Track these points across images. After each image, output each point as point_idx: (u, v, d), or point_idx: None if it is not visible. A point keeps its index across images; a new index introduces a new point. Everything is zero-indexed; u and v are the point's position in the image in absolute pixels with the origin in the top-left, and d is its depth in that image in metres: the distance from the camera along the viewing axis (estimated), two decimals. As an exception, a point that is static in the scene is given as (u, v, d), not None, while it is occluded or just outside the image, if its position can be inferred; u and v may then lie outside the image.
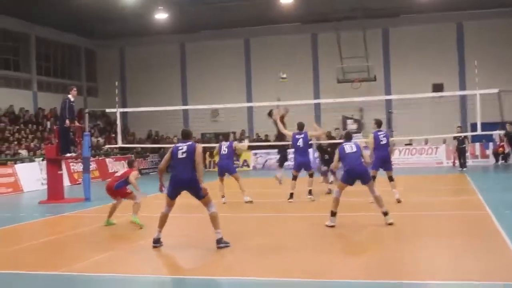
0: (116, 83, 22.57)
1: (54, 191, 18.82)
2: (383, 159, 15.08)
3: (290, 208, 15.30)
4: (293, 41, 37.38)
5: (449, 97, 30.97)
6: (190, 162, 10.08)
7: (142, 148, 33.96)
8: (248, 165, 33.90)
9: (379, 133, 15.32)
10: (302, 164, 16.59)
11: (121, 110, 22.37)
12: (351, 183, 11.88)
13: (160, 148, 32.97)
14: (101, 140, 34.11)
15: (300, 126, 17.04)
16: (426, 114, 33.36)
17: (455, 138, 28.21)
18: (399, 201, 14.98)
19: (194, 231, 12.47)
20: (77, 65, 39.92)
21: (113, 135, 35.19)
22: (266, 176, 28.05)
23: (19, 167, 24.23)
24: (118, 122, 21.04)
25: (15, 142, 27.98)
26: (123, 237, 11.74)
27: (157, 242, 10.26)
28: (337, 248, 10.06)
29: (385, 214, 11.80)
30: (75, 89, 19.25)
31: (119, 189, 13.06)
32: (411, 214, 13.49)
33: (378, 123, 15.69)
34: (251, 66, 38.58)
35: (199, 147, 10.20)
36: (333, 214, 11.73)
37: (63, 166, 20.66)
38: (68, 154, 19.26)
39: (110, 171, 29.66)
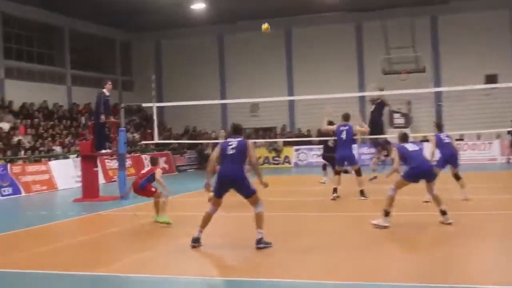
0: (152, 77, 22.67)
1: (89, 189, 19.03)
2: (448, 157, 14.98)
3: (334, 207, 15.18)
4: (337, 31, 37.09)
5: (503, 88, 30.32)
6: (239, 158, 10.11)
7: (179, 144, 34.15)
8: (289, 162, 33.82)
9: (440, 135, 15.33)
10: (345, 158, 16.43)
11: (158, 104, 22.46)
12: (416, 181, 11.84)
13: (197, 144, 33.12)
14: (136, 136, 34.40)
15: (346, 117, 16.86)
16: (478, 107, 32.78)
17: (509, 132, 27.66)
18: (466, 199, 14.97)
19: (234, 230, 12.46)
20: (112, 58, 40.32)
21: (149, 130, 35.45)
22: (309, 174, 27.96)
23: (53, 164, 24.60)
24: (155, 117, 21.15)
25: (49, 138, 28.40)
26: (161, 236, 11.80)
27: (196, 242, 10.24)
28: (387, 249, 9.91)
29: (444, 213, 11.64)
30: (110, 82, 19.44)
31: (144, 188, 13.23)
32: (466, 214, 13.25)
33: (439, 126, 15.89)
34: (292, 57, 38.42)
35: (251, 142, 10.29)
36: (387, 213, 11.55)
37: (98, 163, 20.84)
38: (103, 151, 19.43)
39: (146, 168, 29.86)
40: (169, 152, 32.70)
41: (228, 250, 10.28)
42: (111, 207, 16.74)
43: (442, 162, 14.99)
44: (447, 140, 15.14)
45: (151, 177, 13.35)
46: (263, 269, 8.83)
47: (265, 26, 15.58)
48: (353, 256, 9.30)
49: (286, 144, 33.53)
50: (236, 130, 10.58)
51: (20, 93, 31.22)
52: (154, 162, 14.09)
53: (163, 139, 31.85)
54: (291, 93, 36.88)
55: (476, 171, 25.12)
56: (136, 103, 31.73)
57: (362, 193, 16.10)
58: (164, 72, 40.43)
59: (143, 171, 13.79)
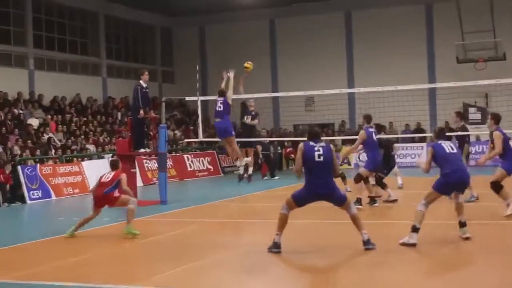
0: (197, 67, 22.86)
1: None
2: None
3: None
4: (403, 13, 36.73)
5: None
6: (328, 166, 10.48)
7: (225, 142, 34.29)
8: (349, 163, 33.66)
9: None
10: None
11: (202, 98, 22.68)
12: (449, 192, 11.35)
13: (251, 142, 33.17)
14: (178, 133, 34.69)
15: (369, 119, 16.75)
16: None
17: None
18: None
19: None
20: (151, 47, 40.78)
21: (192, 127, 35.77)
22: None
23: (87, 165, 25.01)
24: (199, 112, 21.37)
25: (82, 136, 28.86)
26: (204, 247, 11.86)
27: (277, 247, 10.63)
28: (412, 265, 9.82)
29: (462, 225, 11.30)
30: (146, 73, 19.57)
31: (108, 196, 13.39)
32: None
33: (496, 118, 15.04)
34: (352, 44, 38.23)
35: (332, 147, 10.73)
36: (415, 229, 10.94)
37: (136, 164, 21.10)
38: (142, 150, 19.62)
39: (189, 169, 30.16)
40: (214, 151, 32.89)
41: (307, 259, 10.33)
42: (151, 213, 16.92)
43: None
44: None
45: (116, 185, 13.41)
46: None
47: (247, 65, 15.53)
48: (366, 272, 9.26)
49: (346, 142, 33.37)
50: (317, 136, 10.83)
51: (50, 86, 31.81)
52: (114, 165, 14.01)
53: (207, 137, 32.02)
54: (351, 85, 36.69)
55: None
56: (178, 97, 32.03)
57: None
58: (209, 61, 40.66)
59: (103, 179, 13.62)
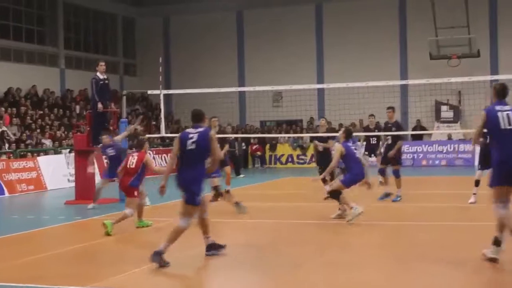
0: (160, 59, 22.81)
1: (84, 190, 19.16)
2: None
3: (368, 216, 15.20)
4: (376, 6, 37.00)
5: None
6: (199, 156, 10.02)
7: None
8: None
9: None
10: None
11: (165, 92, 22.61)
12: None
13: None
14: (140, 128, 34.50)
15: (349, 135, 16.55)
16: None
17: None
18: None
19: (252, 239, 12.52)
20: (112, 37, 40.55)
21: (155, 122, 35.64)
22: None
23: (42, 160, 24.80)
24: (162, 106, 21.27)
25: (38, 130, 28.62)
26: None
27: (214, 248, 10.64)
28: (427, 264, 9.92)
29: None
30: (102, 63, 19.40)
31: (133, 187, 13.51)
32: None
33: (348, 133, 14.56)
34: (322, 37, 38.41)
35: (214, 137, 10.08)
36: (498, 243, 9.47)
37: (95, 160, 20.98)
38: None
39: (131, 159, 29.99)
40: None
41: (246, 263, 10.35)
42: (109, 211, 16.78)
43: None
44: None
45: (141, 173, 13.69)
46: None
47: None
48: (387, 272, 9.36)
49: (314, 139, 33.55)
50: (196, 117, 10.30)
51: (4, 76, 31.44)
52: (139, 145, 14.14)
53: (170, 133, 31.94)
54: (321, 80, 36.86)
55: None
56: (140, 90, 31.93)
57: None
58: (173, 54, 40.56)
59: (129, 165, 13.65)
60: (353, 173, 13.82)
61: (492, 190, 9.48)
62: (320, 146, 18.39)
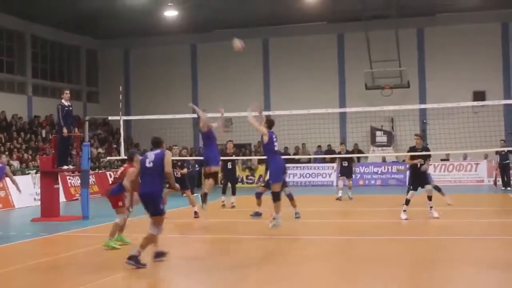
0: (120, 88, 22.75)
1: (49, 208, 18.96)
2: None
3: (303, 230, 15.31)
4: (317, 42, 37.43)
5: (491, 106, 30.68)
6: (156, 173, 10.55)
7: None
8: (264, 181, 33.91)
9: None
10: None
11: (125, 118, 22.54)
12: None
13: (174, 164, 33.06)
14: (101, 151, 34.32)
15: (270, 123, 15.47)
16: (465, 125, 33.07)
17: (497, 153, 28.00)
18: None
19: (196, 253, 12.52)
20: (76, 67, 40.24)
21: (115, 145, 35.42)
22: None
23: (10, 181, 24.37)
24: (121, 131, 21.19)
25: (6, 153, 28.19)
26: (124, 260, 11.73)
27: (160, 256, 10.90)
28: (366, 277, 10.04)
29: None
30: (67, 91, 19.33)
31: (114, 196, 12.98)
32: (447, 239, 13.47)
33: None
34: (269, 69, 38.69)
35: (168, 152, 10.72)
36: None
37: (59, 180, 20.78)
38: (65, 167, 19.39)
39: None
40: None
41: (196, 273, 10.35)
42: (73, 228, 16.70)
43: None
44: None
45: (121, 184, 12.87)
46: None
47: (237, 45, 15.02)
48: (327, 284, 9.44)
49: (261, 162, 33.67)
50: (155, 143, 11.06)
51: (-25, 103, 31.00)
52: (130, 158, 12.97)
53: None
54: (267, 108, 37.05)
55: (462, 193, 25.42)
56: (101, 116, 31.72)
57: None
58: (132, 83, 40.44)
59: (116, 173, 13.58)
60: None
61: None
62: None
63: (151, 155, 10.72)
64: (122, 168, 13.09)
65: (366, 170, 32.73)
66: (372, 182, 32.52)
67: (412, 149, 17.15)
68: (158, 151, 10.81)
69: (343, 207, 21.40)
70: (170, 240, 13.41)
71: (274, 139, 14.07)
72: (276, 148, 14.18)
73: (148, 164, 10.62)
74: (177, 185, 12.55)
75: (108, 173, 30.25)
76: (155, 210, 10.59)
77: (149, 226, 10.68)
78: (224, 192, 22.09)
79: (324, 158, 33.79)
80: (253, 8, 34.25)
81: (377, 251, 12.09)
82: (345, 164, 23.45)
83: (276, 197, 13.71)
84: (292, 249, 12.89)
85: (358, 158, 32.74)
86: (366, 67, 34.79)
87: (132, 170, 12.12)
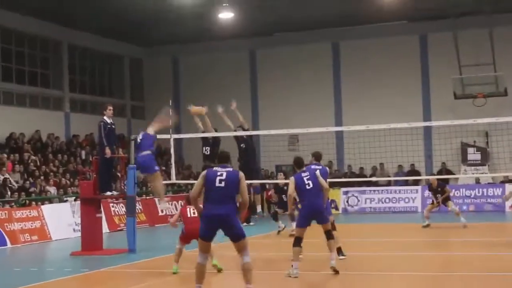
0: (170, 102, 22.95)
1: (90, 240, 19.16)
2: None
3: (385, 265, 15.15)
4: (396, 44, 37.16)
5: None
6: (229, 193, 10.48)
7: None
8: (336, 207, 33.77)
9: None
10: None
11: (176, 136, 22.73)
12: None
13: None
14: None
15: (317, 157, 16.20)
16: None
17: None
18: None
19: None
20: (119, 79, 40.81)
21: (164, 168, 35.73)
22: (360, 222, 28.01)
23: (47, 209, 24.82)
24: (172, 151, 21.37)
25: (42, 177, 28.72)
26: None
27: None
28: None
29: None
30: (110, 107, 19.59)
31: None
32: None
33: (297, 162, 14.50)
34: (340, 77, 38.54)
35: (243, 175, 10.62)
36: None
37: (102, 208, 21.02)
38: (109, 193, 19.59)
39: (160, 214, 30.05)
40: (188, 194, 32.81)
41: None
42: (118, 263, 16.83)
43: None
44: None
45: None
46: None
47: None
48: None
49: (333, 185, 33.54)
50: (224, 159, 10.93)
51: (7, 121, 31.65)
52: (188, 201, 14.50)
53: (181, 179, 32.04)
54: (339, 122, 36.91)
55: None
56: (148, 134, 31.99)
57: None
58: (183, 96, 40.73)
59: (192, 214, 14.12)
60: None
61: None
62: None
63: (222, 172, 10.60)
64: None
65: (457, 193, 32.19)
66: (464, 207, 31.93)
67: None
68: (230, 168, 10.76)
69: (429, 237, 21.13)
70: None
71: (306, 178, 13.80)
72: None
73: (219, 183, 10.51)
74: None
75: (157, 199, 30.44)
76: (238, 234, 10.54)
77: (240, 257, 10.60)
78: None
79: (407, 180, 33.42)
80: (320, 7, 34.10)
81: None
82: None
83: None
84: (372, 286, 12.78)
85: (447, 179, 32.45)
86: (454, 72, 34.37)
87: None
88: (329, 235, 13.62)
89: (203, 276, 10.58)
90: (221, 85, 39.66)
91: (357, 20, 36.21)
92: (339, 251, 15.14)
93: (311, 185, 13.57)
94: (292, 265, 13.29)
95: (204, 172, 10.76)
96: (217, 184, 10.47)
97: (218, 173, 10.55)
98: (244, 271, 10.48)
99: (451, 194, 31.45)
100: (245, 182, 10.57)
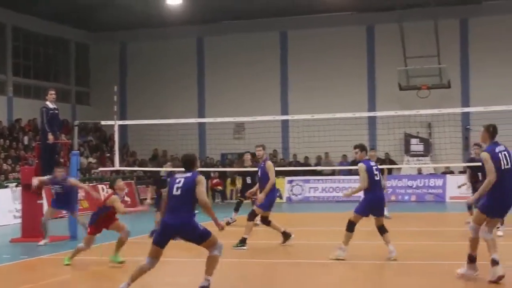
0: (115, 88, 22.78)
1: (31, 226, 18.94)
2: None
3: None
4: (343, 35, 37.36)
5: (547, 110, 30.61)
6: (186, 200, 10.46)
7: (145, 172, 34.12)
8: (280, 196, 33.91)
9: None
10: None
11: (120, 122, 22.53)
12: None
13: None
14: (93, 160, 34.40)
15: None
16: (516, 132, 32.93)
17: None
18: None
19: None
20: (65, 64, 40.40)
21: (109, 154, 35.49)
22: (304, 211, 28.13)
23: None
24: (116, 138, 21.21)
25: (-16, 162, 28.36)
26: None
27: None
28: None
29: (495, 263, 11.03)
30: (52, 92, 19.32)
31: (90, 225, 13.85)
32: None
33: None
34: (287, 67, 38.65)
35: (200, 177, 10.52)
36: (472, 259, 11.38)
37: (44, 194, 20.81)
38: (51, 179, 19.41)
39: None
40: (132, 182, 32.69)
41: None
42: (58, 250, 16.66)
43: None
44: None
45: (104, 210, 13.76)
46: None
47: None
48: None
49: (277, 174, 33.64)
50: (187, 164, 10.84)
51: None
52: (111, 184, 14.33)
53: (125, 166, 31.86)
54: (285, 111, 37.03)
55: None
56: (93, 121, 31.79)
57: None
58: (129, 82, 40.52)
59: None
60: None
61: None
62: None
63: (180, 179, 10.61)
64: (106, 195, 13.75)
65: (399, 183, 32.57)
66: (406, 197, 32.37)
67: (471, 161, 17.21)
68: (189, 174, 10.68)
69: (371, 226, 21.31)
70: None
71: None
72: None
73: (176, 191, 10.53)
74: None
75: (100, 186, 30.25)
76: (199, 238, 10.55)
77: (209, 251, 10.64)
78: (237, 210, 21.95)
79: (350, 169, 33.65)
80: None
81: (400, 280, 12.06)
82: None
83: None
84: (314, 274, 12.85)
85: (390, 169, 32.73)
86: (400, 64, 34.68)
87: (115, 198, 13.03)
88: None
89: (137, 278, 10.52)
90: (168, 72, 39.54)
91: (306, 9, 36.39)
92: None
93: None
94: (340, 248, 13.76)
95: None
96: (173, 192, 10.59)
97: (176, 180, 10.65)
98: (209, 260, 10.60)
99: (394, 185, 31.96)
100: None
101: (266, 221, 16.27)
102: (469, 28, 36.22)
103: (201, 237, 10.47)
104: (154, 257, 10.40)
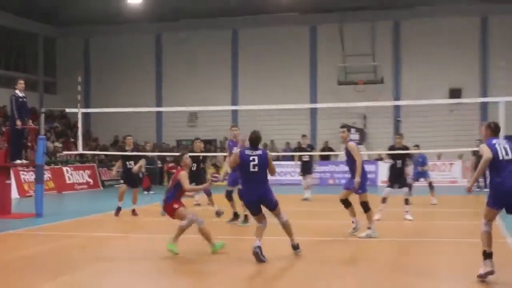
0: (79, 78, 22.59)
1: (0, 205, 18.82)
2: None
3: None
4: (289, 34, 37.57)
5: (468, 104, 31.21)
6: (263, 175, 11.33)
7: (106, 156, 33.92)
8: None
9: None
10: None
11: (84, 110, 22.45)
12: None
13: (128, 156, 32.91)
14: (58, 145, 34.10)
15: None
16: (440, 124, 33.52)
17: (474, 153, 28.29)
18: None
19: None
20: (33, 56, 39.96)
21: (73, 139, 35.19)
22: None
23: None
24: (80, 124, 21.08)
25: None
26: (81, 260, 11.69)
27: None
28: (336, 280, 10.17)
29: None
30: (21, 81, 19.16)
31: (167, 205, 12.13)
32: (414, 241, 13.66)
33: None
34: (238, 62, 38.74)
35: (271, 155, 11.50)
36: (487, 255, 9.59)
37: (12, 175, 20.63)
38: (19, 161, 19.25)
39: (67, 181, 29.69)
40: (94, 164, 32.52)
41: (180, 273, 10.38)
42: (25, 226, 16.53)
43: None
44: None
45: (175, 190, 12.13)
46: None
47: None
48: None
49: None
50: (256, 141, 11.49)
51: None
52: (177, 161, 12.56)
53: (88, 150, 31.66)
54: (235, 102, 37.15)
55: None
56: (59, 108, 31.47)
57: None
58: (92, 73, 40.25)
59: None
60: None
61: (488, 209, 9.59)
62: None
63: (254, 157, 11.27)
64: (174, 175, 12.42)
65: (337, 169, 32.89)
66: (343, 181, 32.55)
67: (392, 148, 17.68)
68: (260, 151, 11.37)
69: (310, 207, 21.57)
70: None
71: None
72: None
73: (253, 168, 11.19)
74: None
75: (65, 168, 30.05)
76: (272, 205, 11.42)
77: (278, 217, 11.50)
78: None
79: (293, 156, 33.84)
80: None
81: (344, 253, 12.24)
82: (306, 159, 23.46)
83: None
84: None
85: (329, 156, 33.08)
86: (339, 61, 35.04)
87: (184, 174, 12.00)
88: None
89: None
90: (128, 66, 39.39)
91: (255, 10, 36.51)
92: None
93: None
94: (370, 227, 13.91)
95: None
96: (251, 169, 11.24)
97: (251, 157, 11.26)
98: (285, 227, 11.66)
99: (332, 170, 32.25)
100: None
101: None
102: (401, 29, 36.67)
103: (275, 205, 11.43)
104: (261, 221, 11.37)
